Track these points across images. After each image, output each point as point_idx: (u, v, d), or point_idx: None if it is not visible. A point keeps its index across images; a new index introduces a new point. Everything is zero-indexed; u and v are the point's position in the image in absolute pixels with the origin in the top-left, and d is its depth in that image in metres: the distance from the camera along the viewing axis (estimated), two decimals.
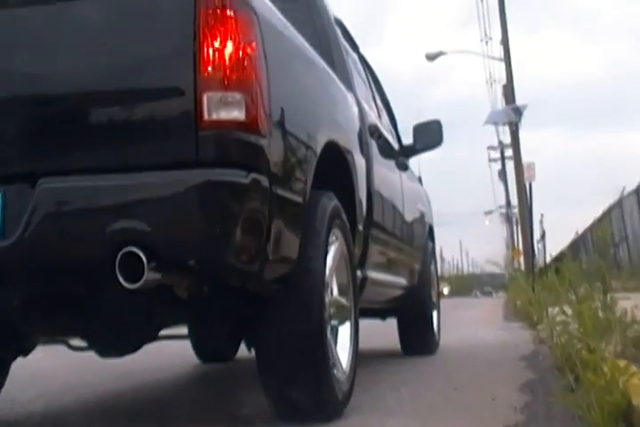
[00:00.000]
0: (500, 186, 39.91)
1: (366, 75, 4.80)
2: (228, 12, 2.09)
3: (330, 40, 3.73)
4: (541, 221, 26.93)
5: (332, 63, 3.44)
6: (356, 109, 3.59)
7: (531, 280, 10.78)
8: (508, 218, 41.59)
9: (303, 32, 2.87)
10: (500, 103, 23.59)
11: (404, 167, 4.85)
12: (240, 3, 2.15)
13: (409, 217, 4.75)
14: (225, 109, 2.04)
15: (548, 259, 15.93)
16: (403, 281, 4.63)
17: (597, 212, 18.61)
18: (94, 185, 2.05)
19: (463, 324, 10.36)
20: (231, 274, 2.17)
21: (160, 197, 2.01)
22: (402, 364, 4.76)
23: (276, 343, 2.45)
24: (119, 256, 1.93)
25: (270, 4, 2.46)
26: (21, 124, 2.17)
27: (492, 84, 30.18)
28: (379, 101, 4.93)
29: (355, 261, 3.07)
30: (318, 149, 2.59)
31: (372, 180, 3.54)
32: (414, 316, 5.11)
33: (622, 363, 2.14)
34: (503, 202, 41.33)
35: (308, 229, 2.49)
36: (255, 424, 2.61)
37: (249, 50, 2.12)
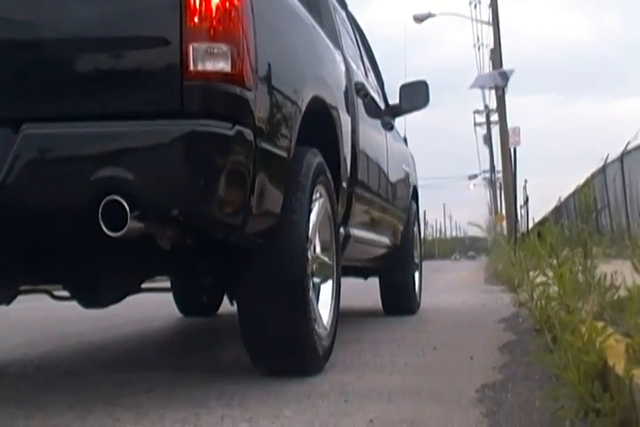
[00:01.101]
0: (485, 150, 40.00)
1: (354, 33, 4.78)
2: None
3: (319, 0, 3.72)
4: (525, 187, 27.08)
5: (319, 20, 3.40)
6: (342, 67, 3.54)
7: (512, 244, 10.87)
8: (491, 183, 41.73)
9: None
10: (488, 67, 23.48)
11: (389, 127, 4.82)
12: None
13: (393, 177, 4.77)
14: (211, 60, 2.04)
15: (531, 224, 16.06)
16: (386, 240, 4.63)
17: (581, 178, 18.74)
18: (78, 132, 2.04)
19: (444, 287, 10.48)
20: (214, 226, 2.17)
21: (144, 146, 2.02)
22: (382, 323, 4.81)
23: (258, 296, 2.46)
24: (102, 204, 1.92)
25: None
26: (5, 69, 2.12)
27: (479, 48, 30.03)
28: (366, 61, 4.90)
29: (338, 218, 3.07)
30: (303, 105, 2.58)
31: (357, 138, 3.51)
32: (396, 275, 5.16)
33: (600, 324, 2.17)
34: (488, 166, 41.46)
35: (291, 183, 2.49)
36: (237, 378, 2.64)
37: (236, 1, 2.10)
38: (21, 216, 2.07)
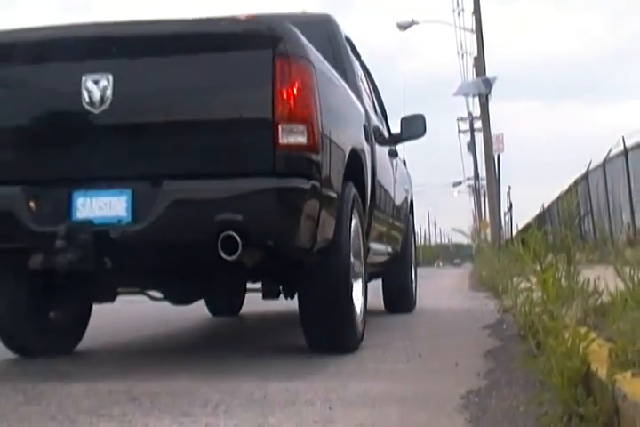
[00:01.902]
0: (470, 157, 40.15)
1: (365, 75, 5.64)
2: (294, 64, 3.02)
3: (344, 61, 4.61)
4: (509, 194, 27.25)
5: (345, 77, 4.26)
6: (364, 118, 4.43)
7: (496, 250, 10.92)
8: (475, 190, 41.89)
9: (324, 53, 3.65)
10: (471, 75, 23.61)
11: (394, 155, 5.71)
12: (302, 57, 3.10)
13: (398, 198, 5.68)
14: (293, 136, 2.97)
15: (515, 231, 16.14)
16: (390, 249, 5.40)
17: (565, 185, 18.87)
18: (204, 187, 2.99)
19: (429, 293, 10.48)
20: (294, 251, 3.12)
21: (249, 196, 2.94)
22: (366, 329, 4.81)
23: (317, 294, 3.36)
24: (221, 237, 2.81)
25: (317, 53, 3.38)
26: (150, 142, 3.13)
27: (463, 56, 30.12)
28: (374, 97, 5.78)
29: (364, 233, 3.91)
30: (346, 157, 3.53)
31: (375, 172, 4.39)
32: (397, 278, 5.96)
33: (583, 330, 2.18)
34: (472, 174, 41.61)
35: (340, 213, 3.37)
36: (222, 387, 2.64)
37: (309, 92, 3.06)
38: (165, 247, 3.02)
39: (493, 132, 16.85)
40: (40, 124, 3.22)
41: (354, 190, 3.61)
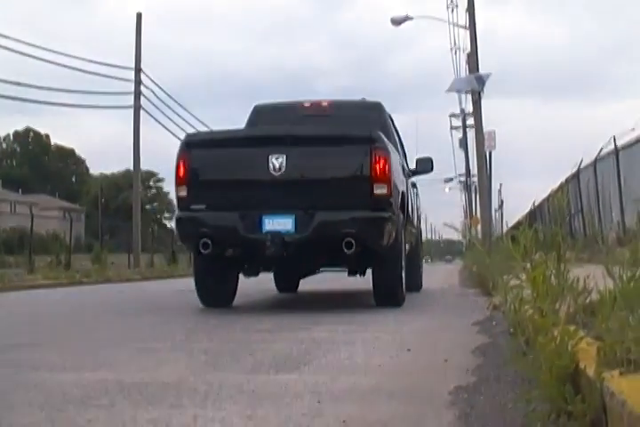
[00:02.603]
0: (461, 154, 40.18)
1: (396, 134, 8.16)
2: (381, 152, 5.86)
3: (389, 133, 7.21)
4: (500, 191, 27.21)
5: (387, 136, 6.53)
6: (401, 166, 7.14)
7: (487, 248, 10.94)
8: (467, 186, 41.92)
9: (374, 124, 6.97)
10: (465, 71, 23.59)
11: (414, 185, 9.01)
12: (384, 148, 5.95)
13: (416, 215, 8.96)
14: (380, 190, 5.82)
15: (505, 228, 16.16)
16: (410, 246, 7.86)
17: (556, 183, 18.91)
18: (337, 216, 5.76)
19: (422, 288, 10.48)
20: (379, 247, 5.91)
21: (362, 220, 5.76)
22: (355, 323, 4.83)
23: (385, 270, 6.22)
24: (344, 241, 5.63)
25: (388, 142, 6.28)
26: (306, 191, 5.84)
27: (456, 52, 30.07)
28: (401, 147, 8.27)
29: (404, 237, 6.82)
30: (400, 196, 6.40)
31: (408, 202, 7.22)
32: (412, 268, 8.01)
33: (572, 328, 2.19)
34: (463, 170, 41.64)
35: (397, 227, 6.11)
36: (210, 378, 2.64)
37: (387, 166, 5.87)
38: (312, 247, 5.86)
39: (486, 128, 16.85)
40: (247, 180, 6.11)
41: (402, 215, 6.55)
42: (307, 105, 7.73)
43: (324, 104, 7.65)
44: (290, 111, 7.61)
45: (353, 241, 5.56)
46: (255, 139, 6.17)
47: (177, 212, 6.31)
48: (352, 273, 6.93)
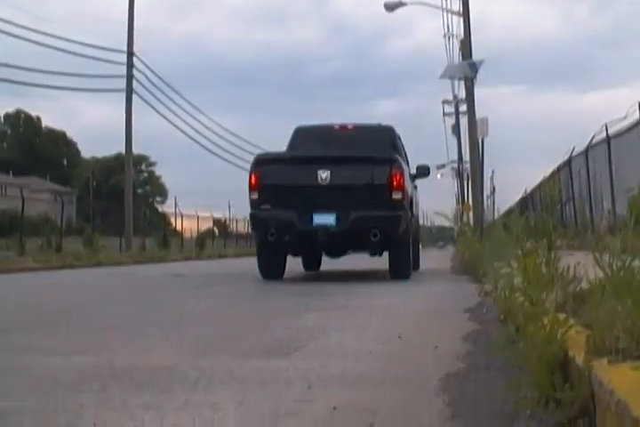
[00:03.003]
0: (454, 140, 40.17)
1: (402, 148, 10.67)
2: (397, 169, 8.47)
3: (399, 149, 9.96)
4: (492, 178, 27.29)
5: (404, 158, 9.68)
6: (409, 176, 9.49)
7: (478, 235, 10.96)
8: (459, 173, 41.95)
9: (386, 143, 10.03)
10: (458, 58, 23.53)
11: (415, 187, 10.76)
12: (400, 166, 8.58)
13: (417, 209, 11.35)
14: (397, 195, 8.43)
15: (497, 215, 16.20)
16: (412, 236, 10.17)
17: (548, 170, 18.94)
18: (368, 213, 8.31)
19: (413, 275, 10.53)
20: (395, 235, 8.52)
21: (384, 218, 8.37)
22: (347, 308, 4.84)
23: (399, 253, 8.91)
24: (371, 232, 8.34)
25: (401, 160, 9.02)
26: (345, 195, 8.38)
27: (449, 39, 29.97)
28: (406, 157, 10.71)
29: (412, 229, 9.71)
30: (409, 199, 9.01)
31: (414, 205, 10.06)
32: (414, 251, 10.32)
33: (562, 316, 2.20)
34: (456, 156, 41.65)
35: (409, 220, 8.93)
36: (201, 363, 2.65)
37: (402, 179, 8.50)
38: (349, 235, 8.45)
39: (478, 115, 16.83)
40: (301, 187, 8.35)
41: (409, 212, 8.89)
42: (336, 127, 10.25)
43: (350, 127, 10.28)
44: (323, 132, 10.22)
45: (377, 232, 8.27)
46: (308, 159, 8.82)
47: (250, 210, 8.70)
48: (373, 254, 9.71)
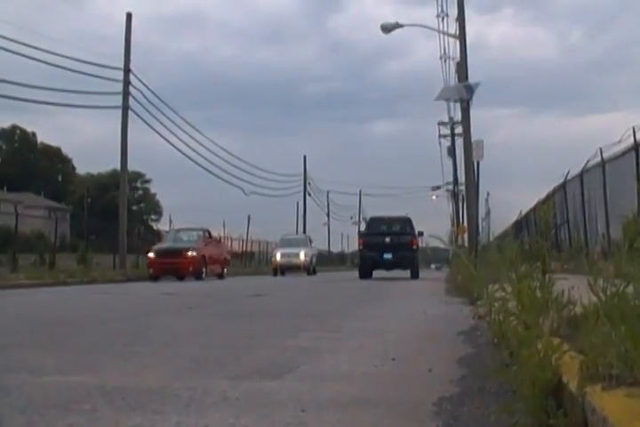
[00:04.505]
0: (449, 162, 40.30)
1: (412, 223, 25.52)
2: (414, 237, 23.15)
3: (413, 226, 24.06)
4: (487, 200, 27.18)
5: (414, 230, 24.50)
6: (418, 236, 25.05)
7: (473, 257, 10.96)
8: (454, 195, 42.03)
9: (411, 225, 24.31)
10: (454, 80, 23.68)
11: (421, 234, 25.43)
12: (416, 236, 23.42)
13: (418, 250, 24.24)
14: (413, 247, 23.03)
15: (492, 237, 16.22)
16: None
17: (543, 193, 19.00)
18: (403, 253, 22.31)
19: (405, 296, 10.51)
20: (413, 263, 22.79)
21: (409, 256, 22.45)
22: (342, 331, 4.83)
23: (413, 268, 22.64)
24: (404, 260, 22.76)
25: (416, 233, 24.09)
26: (395, 247, 22.49)
27: (445, 61, 30.17)
28: None
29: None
30: (418, 246, 23.63)
31: (418, 248, 24.00)
32: (417, 269, 23.40)
33: (556, 341, 2.20)
34: (451, 178, 41.76)
35: (417, 255, 23.52)
36: (194, 384, 2.64)
37: (416, 241, 23.17)
38: (396, 264, 22.78)
39: (474, 137, 16.91)
40: (379, 244, 22.44)
41: (418, 250, 23.36)
42: (386, 218, 24.06)
43: (393, 217, 24.37)
44: (382, 220, 23.86)
45: (407, 261, 21.87)
46: (381, 233, 22.55)
47: (361, 250, 23.22)
48: (404, 269, 22.21)
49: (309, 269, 30.05)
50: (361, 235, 24.25)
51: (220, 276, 22.60)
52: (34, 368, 3.17)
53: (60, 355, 3.70)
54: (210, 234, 23.20)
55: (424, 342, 4.43)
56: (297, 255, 29.74)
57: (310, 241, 33.04)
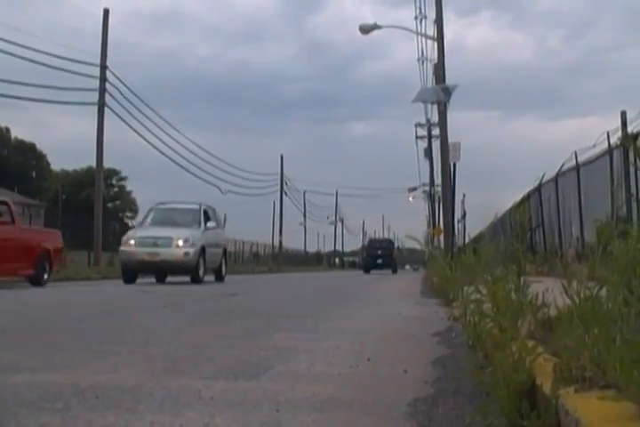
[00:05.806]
0: (426, 164, 40.49)
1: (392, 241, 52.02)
2: (395, 250, 45.62)
3: (394, 243, 50.14)
4: (463, 202, 27.47)
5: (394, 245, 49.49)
6: (398, 248, 57.54)
7: (449, 259, 11.02)
8: (430, 196, 42.26)
9: (392, 244, 48.56)
10: (431, 82, 23.77)
11: (398, 248, 58.21)
12: (396, 248, 48.33)
13: (397, 256, 48.28)
14: (394, 256, 44.34)
15: (467, 239, 16.31)
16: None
17: (518, 196, 19.15)
18: (388, 260, 42.14)
19: (381, 297, 10.54)
20: (394, 262, 42.81)
21: (392, 261, 42.77)
22: (317, 332, 4.84)
23: (393, 266, 41.89)
24: (389, 263, 43.04)
25: (396, 247, 50.86)
26: (384, 254, 42.30)
27: (423, 62, 30.28)
28: None
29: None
30: (396, 255, 47.12)
31: (397, 255, 51.18)
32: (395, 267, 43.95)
33: (530, 343, 2.22)
34: (427, 180, 41.97)
35: (396, 257, 46.07)
36: (169, 384, 2.62)
37: (396, 251, 47.16)
38: (384, 265, 41.71)
39: (451, 139, 17.01)
40: (374, 254, 41.98)
41: (396, 259, 45.10)
42: (378, 239, 54.74)
43: (383, 239, 55.73)
44: (376, 240, 49.97)
45: (390, 263, 41.10)
46: (375, 248, 42.95)
47: (362, 256, 46.23)
48: (388, 267, 40.72)
49: (197, 271, 15.92)
50: (364, 248, 46.22)
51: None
52: (5, 367, 3.13)
53: (33, 353, 3.66)
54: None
55: (399, 344, 4.45)
56: (169, 243, 15.66)
57: (209, 219, 17.41)
